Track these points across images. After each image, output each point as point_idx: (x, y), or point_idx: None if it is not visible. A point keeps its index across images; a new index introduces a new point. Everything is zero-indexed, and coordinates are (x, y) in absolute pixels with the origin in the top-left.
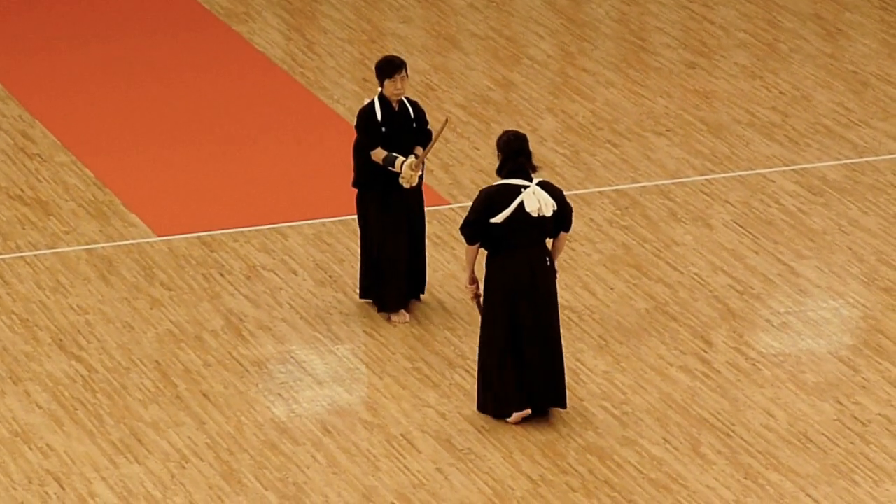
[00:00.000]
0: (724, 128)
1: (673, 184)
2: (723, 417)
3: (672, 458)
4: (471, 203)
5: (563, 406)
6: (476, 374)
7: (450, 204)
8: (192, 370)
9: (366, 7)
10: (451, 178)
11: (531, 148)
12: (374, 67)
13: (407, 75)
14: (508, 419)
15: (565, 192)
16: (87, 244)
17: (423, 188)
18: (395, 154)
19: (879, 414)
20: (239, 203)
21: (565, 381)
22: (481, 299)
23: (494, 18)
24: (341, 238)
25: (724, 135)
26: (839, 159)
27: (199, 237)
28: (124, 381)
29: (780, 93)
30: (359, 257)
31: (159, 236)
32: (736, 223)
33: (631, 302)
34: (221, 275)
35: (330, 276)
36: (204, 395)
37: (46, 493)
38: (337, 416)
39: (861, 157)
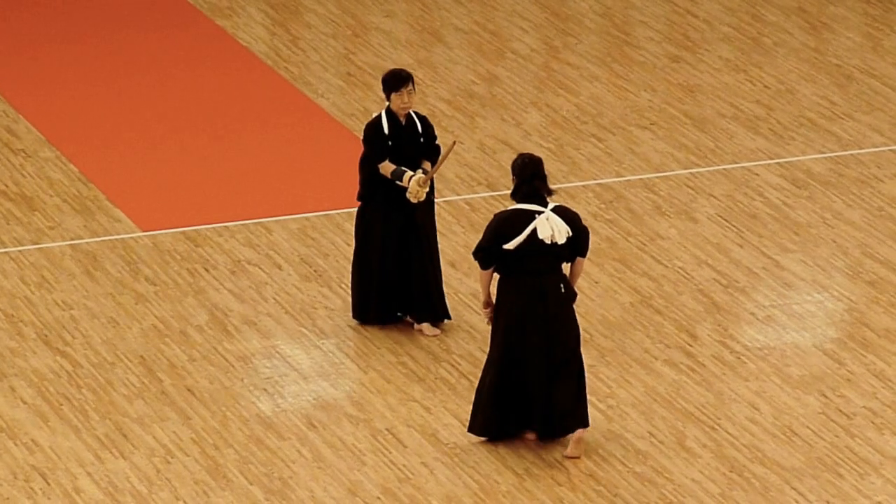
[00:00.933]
0: (709, 121)
1: (657, 177)
2: (708, 411)
3: (657, 451)
4: (485, 226)
5: (586, 425)
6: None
7: (434, 199)
8: (177, 365)
9: (349, 2)
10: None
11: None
12: (380, 80)
13: (414, 88)
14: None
15: (551, 186)
16: (72, 239)
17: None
18: (403, 168)
19: (864, 407)
20: (223, 198)
21: (587, 401)
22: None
23: (478, 12)
24: (326, 233)
25: (709, 128)
26: (823, 152)
27: (183, 232)
28: (109, 377)
29: (765, 86)
30: (350, 266)
31: (144, 231)
32: (720, 217)
33: (615, 296)
34: (206, 270)
35: (315, 271)
36: (189, 390)
37: (32, 488)
38: (322, 410)
39: (845, 151)
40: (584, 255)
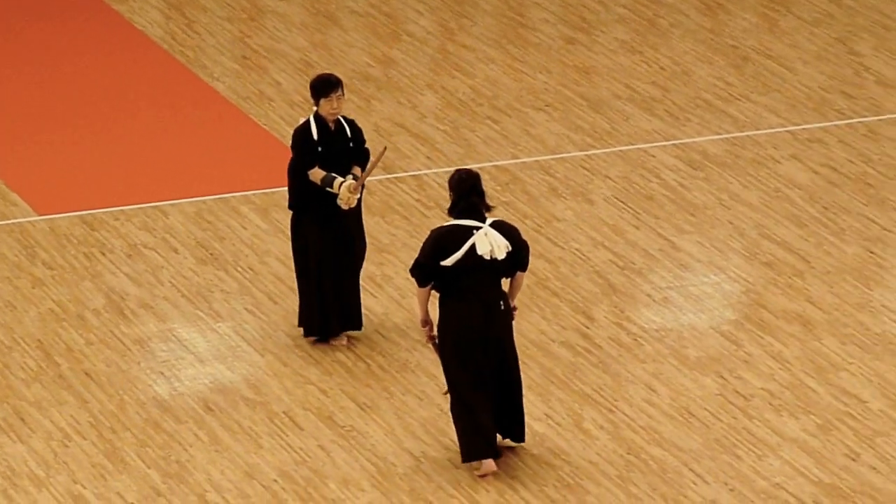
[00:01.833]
0: (604, 103)
1: (553, 159)
2: (605, 393)
3: (554, 433)
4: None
5: (522, 440)
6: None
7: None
8: (75, 349)
9: None
10: None
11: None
12: (308, 86)
13: (343, 94)
14: (477, 472)
15: (446, 168)
16: None
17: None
18: (333, 175)
19: (762, 388)
20: (120, 182)
21: (524, 418)
22: (437, 340)
23: None
24: (222, 216)
25: (604, 110)
26: (719, 134)
27: (80, 216)
28: (6, 361)
29: (661, 68)
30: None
31: (40, 215)
32: (616, 198)
33: None
34: (102, 253)
35: (211, 254)
36: (86, 373)
37: None
38: (219, 393)
39: (741, 132)
40: (524, 270)
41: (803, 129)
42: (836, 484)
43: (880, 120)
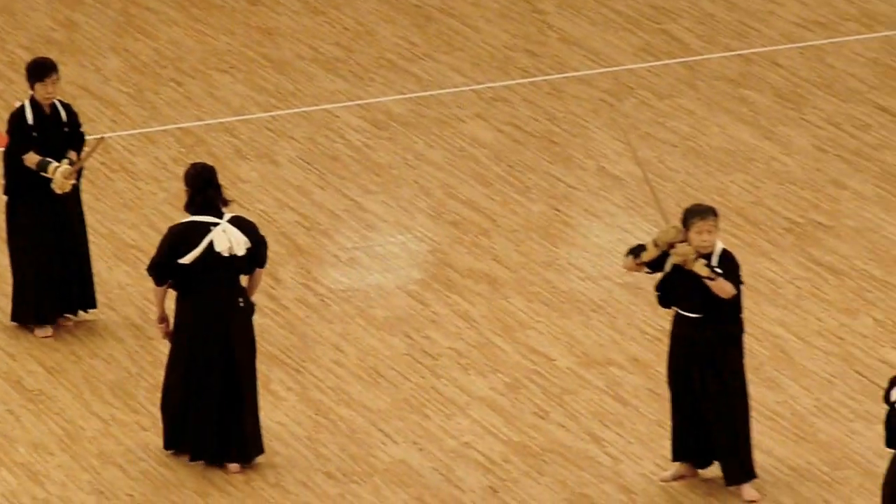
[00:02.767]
0: (288, 63)
1: (237, 121)
2: (293, 354)
3: None
4: None
5: (246, 461)
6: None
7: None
8: None
9: None
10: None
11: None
12: (24, 69)
13: (58, 78)
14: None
15: (130, 131)
16: None
17: None
18: (49, 160)
19: (449, 347)
20: None
21: (260, 423)
22: (172, 339)
23: None
24: None
25: (288, 71)
26: (403, 93)
27: None
28: None
29: (344, 28)
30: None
31: None
32: (301, 159)
33: None
34: None
35: None
36: None
37: None
38: None
39: (425, 91)
40: (262, 266)
41: (487, 87)
42: (524, 442)
43: (564, 77)
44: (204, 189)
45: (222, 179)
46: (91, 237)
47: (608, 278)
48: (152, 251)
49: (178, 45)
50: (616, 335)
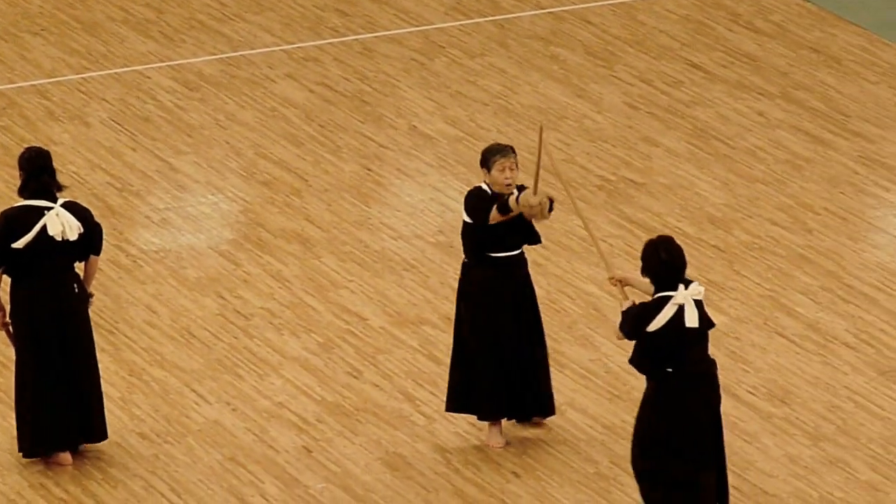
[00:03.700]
0: (99, 25)
1: (49, 83)
2: (105, 315)
3: None
4: None
5: (98, 440)
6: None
7: None
8: None
9: None
10: None
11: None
12: None
13: None
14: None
15: None
16: None
17: None
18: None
19: (262, 307)
20: None
21: (104, 409)
22: (10, 327)
23: None
24: None
25: (99, 32)
26: (214, 54)
27: None
28: None
29: None
30: None
31: None
32: (113, 121)
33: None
34: None
35: None
36: None
37: None
38: None
39: (236, 52)
40: (97, 253)
41: (298, 47)
42: (338, 402)
43: (375, 37)
44: (39, 174)
45: (34, 141)
46: None
47: (420, 237)
48: None
49: None
50: (429, 294)
